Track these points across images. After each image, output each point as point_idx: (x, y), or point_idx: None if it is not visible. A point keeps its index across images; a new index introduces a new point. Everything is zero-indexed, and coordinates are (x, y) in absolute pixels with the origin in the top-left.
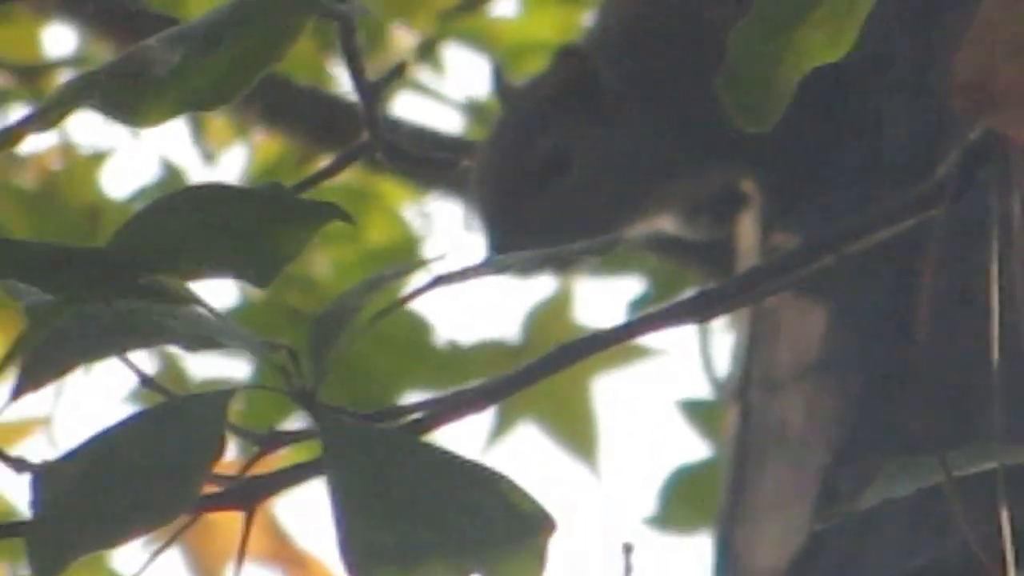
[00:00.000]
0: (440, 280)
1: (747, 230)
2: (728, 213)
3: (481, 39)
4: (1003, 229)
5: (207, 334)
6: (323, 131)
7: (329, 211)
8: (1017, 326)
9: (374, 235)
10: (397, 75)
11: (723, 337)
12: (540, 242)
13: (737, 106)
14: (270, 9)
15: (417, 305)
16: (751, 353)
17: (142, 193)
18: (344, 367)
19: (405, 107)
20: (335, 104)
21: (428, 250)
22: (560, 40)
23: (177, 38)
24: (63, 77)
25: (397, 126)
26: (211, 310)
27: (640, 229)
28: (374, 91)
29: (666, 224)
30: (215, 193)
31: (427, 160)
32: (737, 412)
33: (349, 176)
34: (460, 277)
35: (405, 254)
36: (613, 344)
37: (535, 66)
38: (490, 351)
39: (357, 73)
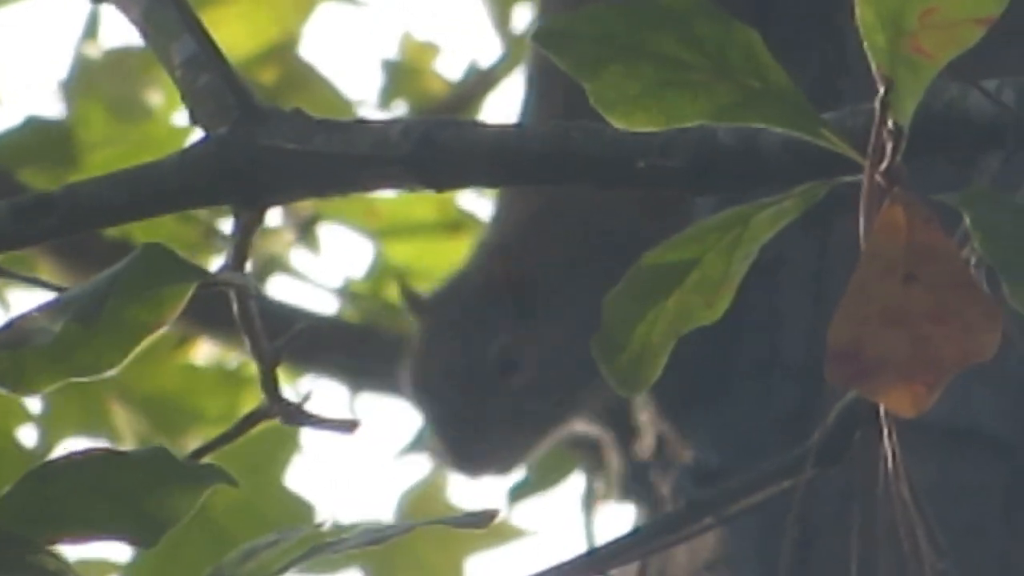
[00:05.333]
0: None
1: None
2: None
3: (358, 218)
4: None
5: None
6: (201, 313)
7: (213, 475)
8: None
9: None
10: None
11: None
12: (502, 441)
13: (611, 372)
14: (152, 278)
15: (298, 486)
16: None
17: None
18: None
19: (279, 288)
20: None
21: (305, 435)
22: (438, 220)
23: (59, 308)
24: None
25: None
26: None
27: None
28: (271, 357)
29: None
30: (96, 458)
31: (325, 422)
32: None
33: (222, 355)
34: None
35: (280, 439)
36: None
37: (413, 245)
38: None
39: (254, 340)
